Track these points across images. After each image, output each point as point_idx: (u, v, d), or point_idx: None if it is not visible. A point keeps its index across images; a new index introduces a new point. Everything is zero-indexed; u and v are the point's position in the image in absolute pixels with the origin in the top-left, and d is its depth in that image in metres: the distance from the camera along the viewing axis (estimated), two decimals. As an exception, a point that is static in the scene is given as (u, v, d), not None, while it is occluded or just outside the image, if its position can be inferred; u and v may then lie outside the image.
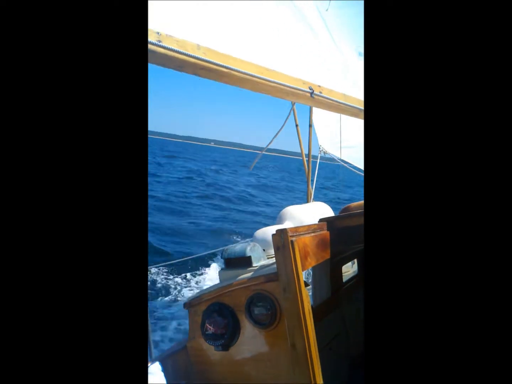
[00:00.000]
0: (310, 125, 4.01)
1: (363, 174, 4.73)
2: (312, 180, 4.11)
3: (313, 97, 1.80)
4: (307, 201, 4.11)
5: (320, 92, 1.84)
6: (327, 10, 2.66)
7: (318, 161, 4.54)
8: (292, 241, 1.46)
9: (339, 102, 1.94)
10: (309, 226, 1.69)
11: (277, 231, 1.48)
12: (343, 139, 4.22)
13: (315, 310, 2.21)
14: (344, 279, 2.77)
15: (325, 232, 1.77)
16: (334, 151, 4.62)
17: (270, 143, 2.88)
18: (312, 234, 1.66)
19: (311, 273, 2.31)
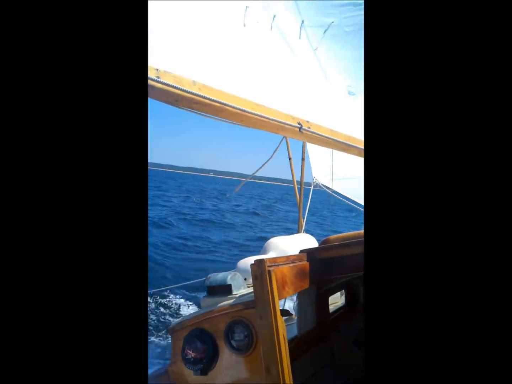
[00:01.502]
0: (303, 159, 4.16)
1: (354, 204, 4.78)
2: (304, 211, 4.22)
3: (302, 132, 1.91)
4: (298, 232, 4.19)
5: (309, 127, 1.96)
6: (315, 49, 2.82)
7: (311, 193, 4.66)
8: (269, 271, 1.54)
9: (327, 137, 2.05)
10: (288, 256, 1.77)
11: (256, 261, 1.57)
12: (336, 171, 4.35)
13: (300, 340, 2.24)
14: (334, 310, 2.81)
15: (305, 263, 1.86)
16: (327, 183, 4.75)
17: (256, 172, 2.99)
18: (291, 265, 1.74)
19: (297, 303, 2.36)
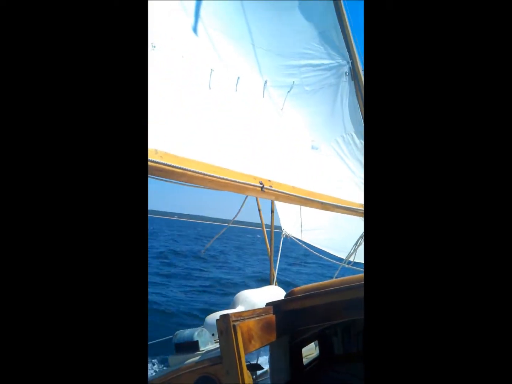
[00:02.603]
0: (272, 211, 4.26)
1: (321, 255, 4.83)
2: (275, 263, 4.27)
3: (264, 191, 2.00)
4: (270, 283, 4.21)
5: (270, 186, 2.05)
6: (282, 109, 2.99)
7: (281, 244, 4.72)
8: (234, 326, 1.57)
9: (287, 194, 2.15)
10: (254, 310, 1.80)
11: (221, 316, 1.59)
12: (304, 222, 4.45)
13: None
14: (308, 361, 2.79)
15: (271, 316, 1.88)
16: (296, 234, 4.83)
17: (229, 224, 3.06)
18: (257, 318, 1.76)
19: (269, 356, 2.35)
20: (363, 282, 1.79)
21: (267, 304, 1.99)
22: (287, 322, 1.99)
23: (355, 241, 3.28)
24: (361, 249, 3.29)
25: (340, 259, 4.66)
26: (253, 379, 2.46)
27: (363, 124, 3.73)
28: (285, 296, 2.18)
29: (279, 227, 4.91)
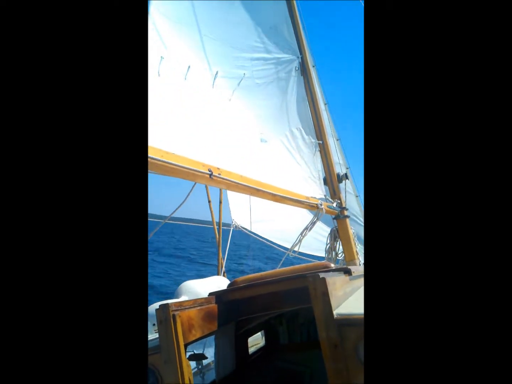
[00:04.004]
0: (220, 202, 4.29)
1: (272, 244, 4.92)
2: (224, 253, 4.29)
3: (212, 178, 2.00)
4: (217, 273, 4.24)
5: (219, 174, 2.05)
6: (230, 100, 2.99)
7: (231, 234, 4.75)
8: (174, 315, 1.57)
9: (236, 183, 2.16)
10: (195, 300, 1.81)
11: (160, 306, 1.59)
12: (254, 214, 4.50)
13: None
14: (254, 351, 2.82)
15: (213, 305, 1.90)
16: (246, 225, 4.88)
17: (172, 214, 3.03)
18: (198, 308, 1.78)
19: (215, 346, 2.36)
20: (304, 272, 1.85)
21: (210, 294, 2.01)
22: (229, 311, 2.01)
23: (300, 232, 3.36)
24: (305, 239, 3.37)
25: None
26: (199, 369, 2.47)
27: (311, 119, 3.82)
28: (228, 286, 2.20)
29: (229, 225, 4.95)
